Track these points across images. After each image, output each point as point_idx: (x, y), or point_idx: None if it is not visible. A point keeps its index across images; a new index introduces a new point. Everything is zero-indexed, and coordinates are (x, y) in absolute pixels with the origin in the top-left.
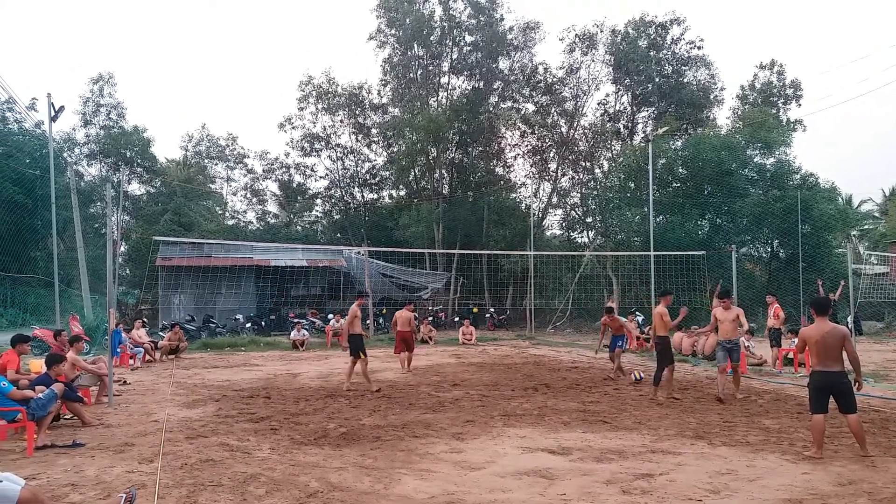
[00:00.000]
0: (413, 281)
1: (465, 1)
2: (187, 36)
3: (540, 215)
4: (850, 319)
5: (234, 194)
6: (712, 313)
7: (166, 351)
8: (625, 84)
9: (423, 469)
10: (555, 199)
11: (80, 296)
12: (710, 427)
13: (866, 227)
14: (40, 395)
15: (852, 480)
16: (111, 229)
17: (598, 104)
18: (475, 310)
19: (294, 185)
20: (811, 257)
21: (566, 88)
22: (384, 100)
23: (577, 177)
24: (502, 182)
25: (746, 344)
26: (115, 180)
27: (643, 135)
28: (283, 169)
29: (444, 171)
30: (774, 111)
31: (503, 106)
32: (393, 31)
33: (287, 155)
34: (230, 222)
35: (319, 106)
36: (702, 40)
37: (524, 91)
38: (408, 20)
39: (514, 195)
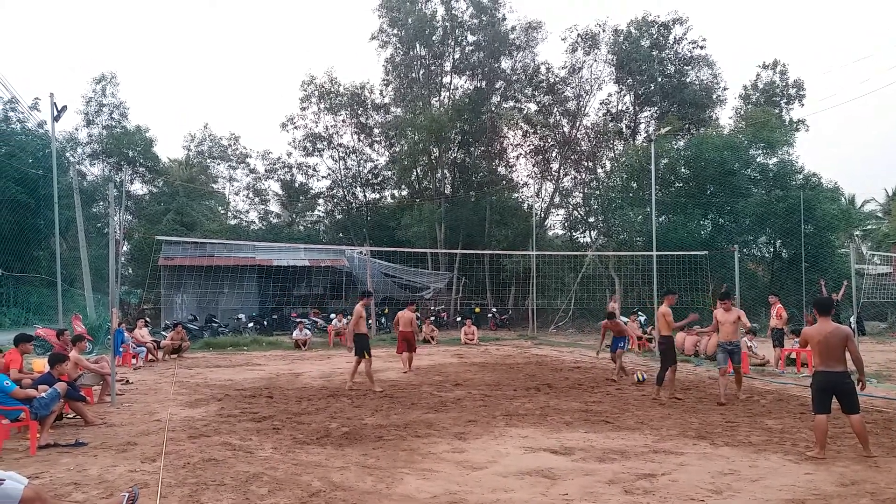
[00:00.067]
0: (415, 281)
1: (467, 1)
2: (190, 36)
3: (542, 215)
4: (852, 320)
5: (237, 194)
6: (713, 315)
7: (169, 350)
8: (627, 84)
9: (425, 469)
10: (557, 199)
11: (82, 295)
12: (712, 427)
13: (869, 227)
14: (43, 394)
15: (855, 481)
16: (114, 229)
17: (601, 104)
18: (477, 310)
19: (296, 184)
20: (814, 257)
21: (568, 88)
22: (386, 99)
23: (579, 177)
24: (504, 182)
25: (749, 344)
26: (118, 180)
27: (645, 134)
28: (286, 169)
29: (446, 171)
30: (777, 111)
31: (505, 106)
32: (395, 31)
33: (289, 155)
34: (232, 222)
35: (322, 106)
36: (704, 40)
37: (526, 91)
38: (410, 20)
39: (517, 195)
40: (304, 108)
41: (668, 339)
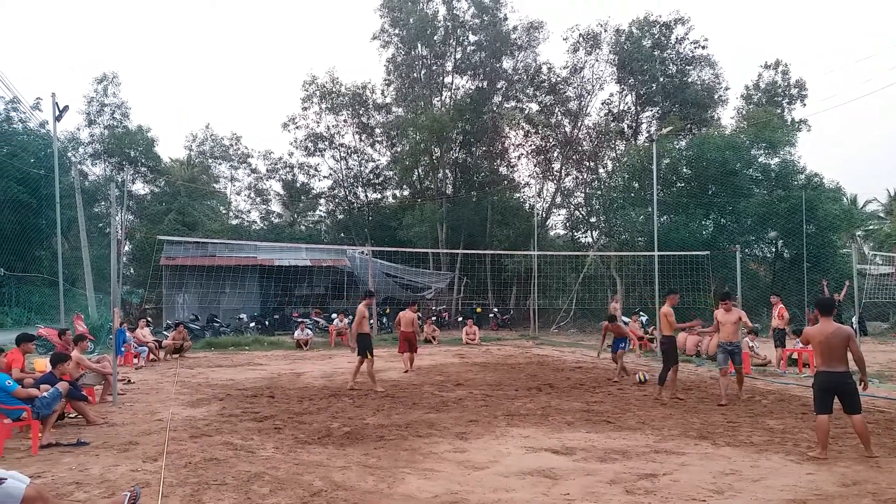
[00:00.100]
0: (417, 281)
1: (468, 0)
2: (191, 36)
3: (544, 215)
4: (854, 320)
5: (238, 194)
6: (714, 315)
7: (170, 350)
8: (629, 84)
9: (426, 468)
10: (558, 199)
11: (84, 295)
12: (714, 427)
13: (871, 227)
14: (45, 393)
15: (856, 481)
16: (115, 229)
17: (602, 104)
18: (479, 310)
19: (298, 184)
20: (816, 257)
21: (570, 88)
22: (388, 99)
23: (580, 177)
24: (506, 182)
25: (751, 344)
26: (120, 180)
27: (647, 134)
28: (287, 169)
29: (447, 171)
30: (779, 111)
31: (507, 106)
32: (396, 31)
33: (291, 154)
34: (234, 222)
35: (323, 106)
36: (706, 40)
37: (528, 91)
38: (411, 20)
39: (518, 195)
40: (305, 108)
41: (669, 340)
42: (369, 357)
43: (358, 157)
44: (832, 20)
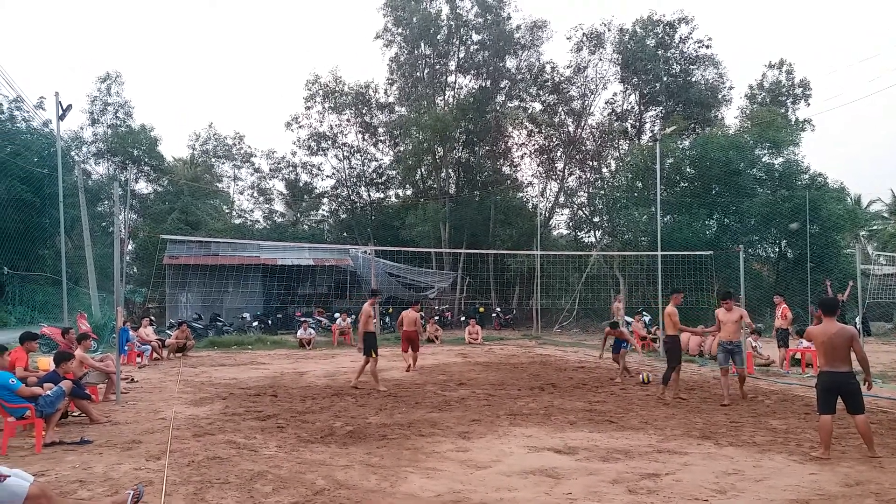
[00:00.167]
0: (419, 280)
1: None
2: (194, 35)
3: (547, 215)
4: (858, 320)
5: (241, 193)
6: (716, 314)
7: (173, 349)
8: (632, 83)
9: (429, 467)
10: (562, 199)
11: (87, 294)
12: (716, 427)
13: (875, 227)
14: (48, 392)
15: (859, 481)
16: (119, 228)
17: (606, 103)
18: (481, 309)
19: (301, 184)
20: (819, 258)
21: (573, 87)
22: (391, 99)
23: (584, 176)
24: (509, 181)
25: (754, 344)
26: (123, 179)
27: (651, 134)
28: (290, 168)
29: (450, 171)
30: (783, 110)
31: (510, 105)
32: (400, 30)
33: (294, 154)
34: (237, 221)
35: (326, 105)
36: (710, 39)
37: (531, 90)
38: (414, 19)
39: (521, 195)
40: (308, 108)
41: (673, 339)
42: (373, 356)
43: (361, 156)
44: (837, 19)
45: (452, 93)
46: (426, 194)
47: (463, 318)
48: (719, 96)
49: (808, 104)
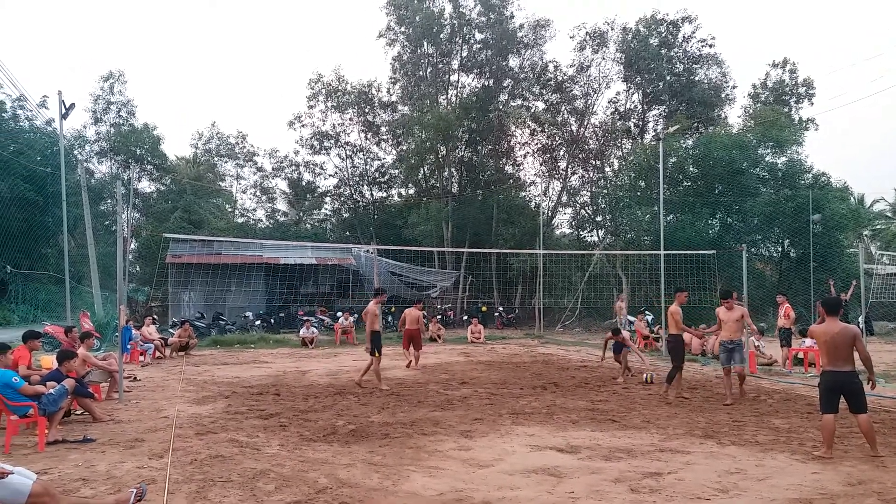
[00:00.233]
0: (422, 279)
1: None
2: (197, 34)
3: (549, 214)
4: (861, 319)
5: (244, 192)
6: (717, 313)
7: (176, 348)
8: (636, 82)
9: (431, 466)
10: (564, 198)
11: (90, 292)
12: (719, 426)
13: (878, 226)
14: (51, 390)
15: (862, 480)
16: (121, 226)
17: (609, 102)
18: (484, 308)
19: (303, 183)
20: (822, 257)
21: (576, 86)
22: (393, 98)
23: (586, 175)
24: (512, 180)
25: (756, 343)
26: (126, 178)
27: (654, 133)
28: (293, 167)
29: (453, 170)
30: (786, 110)
31: (513, 104)
32: (402, 29)
33: (296, 153)
34: (240, 220)
35: (329, 104)
36: (713, 38)
37: (534, 89)
38: (417, 18)
39: (524, 194)
40: (311, 107)
41: (676, 338)
42: (377, 355)
43: (363, 155)
44: (840, 18)
45: (455, 92)
46: (429, 193)
47: (465, 318)
48: (722, 95)
49: (812, 103)
